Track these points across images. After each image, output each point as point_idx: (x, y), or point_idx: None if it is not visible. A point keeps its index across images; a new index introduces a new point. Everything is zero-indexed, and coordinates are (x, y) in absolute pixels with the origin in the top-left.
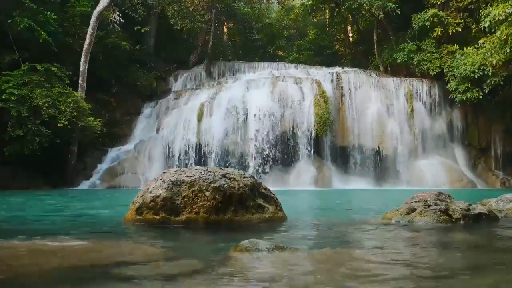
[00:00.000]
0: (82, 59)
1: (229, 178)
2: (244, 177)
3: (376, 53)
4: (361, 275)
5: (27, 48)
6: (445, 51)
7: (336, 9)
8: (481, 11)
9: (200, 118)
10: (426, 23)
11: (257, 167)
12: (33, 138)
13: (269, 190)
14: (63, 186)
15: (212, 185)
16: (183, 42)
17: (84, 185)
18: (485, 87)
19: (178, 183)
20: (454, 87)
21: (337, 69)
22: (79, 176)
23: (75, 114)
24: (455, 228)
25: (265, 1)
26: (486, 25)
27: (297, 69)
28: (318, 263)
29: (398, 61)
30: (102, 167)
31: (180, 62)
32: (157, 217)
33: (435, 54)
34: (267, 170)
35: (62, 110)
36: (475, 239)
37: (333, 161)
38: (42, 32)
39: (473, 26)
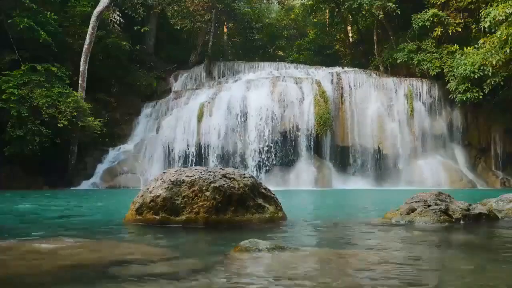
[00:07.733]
0: (82, 59)
1: (229, 178)
2: (244, 177)
3: (376, 53)
4: (361, 275)
5: (27, 48)
6: (445, 51)
7: (336, 9)
8: (481, 11)
9: (200, 118)
10: (426, 23)
11: (257, 167)
12: (33, 138)
13: (269, 190)
14: (63, 186)
15: (212, 185)
16: (183, 42)
17: (84, 185)
18: (485, 87)
19: (178, 183)
20: (454, 87)
21: (337, 69)
22: (79, 176)
23: (75, 114)
24: (455, 228)
25: (265, 1)
26: (486, 25)
27: (297, 69)
28: (318, 263)
29: (398, 61)
30: (102, 167)
31: (180, 62)
32: (157, 217)
33: (435, 54)
34: (267, 170)
35: (62, 110)
36: (475, 239)
37: (333, 161)
38: (42, 32)
39: (473, 26)
